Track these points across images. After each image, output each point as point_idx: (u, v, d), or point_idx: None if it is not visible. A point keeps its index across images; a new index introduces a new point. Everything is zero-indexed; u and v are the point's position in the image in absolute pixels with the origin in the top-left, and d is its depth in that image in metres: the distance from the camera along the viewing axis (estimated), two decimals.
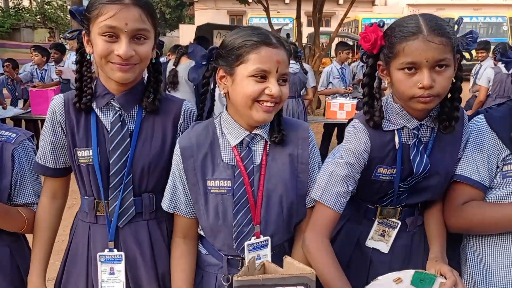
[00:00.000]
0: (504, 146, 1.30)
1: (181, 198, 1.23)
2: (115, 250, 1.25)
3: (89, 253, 1.29)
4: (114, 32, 1.13)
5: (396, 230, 1.37)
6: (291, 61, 5.57)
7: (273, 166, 1.20)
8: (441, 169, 1.30)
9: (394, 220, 1.37)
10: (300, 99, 5.69)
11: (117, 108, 1.25)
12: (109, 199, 1.24)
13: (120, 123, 1.24)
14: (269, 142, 1.21)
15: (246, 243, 1.17)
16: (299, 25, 9.15)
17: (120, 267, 1.25)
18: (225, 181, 1.18)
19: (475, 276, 1.36)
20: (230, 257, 1.22)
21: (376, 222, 1.39)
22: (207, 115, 1.33)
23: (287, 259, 1.02)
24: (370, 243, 1.40)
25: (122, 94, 1.24)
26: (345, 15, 8.68)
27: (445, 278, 1.13)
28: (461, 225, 1.35)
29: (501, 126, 1.31)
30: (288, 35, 9.08)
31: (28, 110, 5.72)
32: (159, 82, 1.31)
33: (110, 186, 1.23)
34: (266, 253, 1.19)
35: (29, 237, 1.43)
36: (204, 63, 1.24)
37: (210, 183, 1.19)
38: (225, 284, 1.21)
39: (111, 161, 1.22)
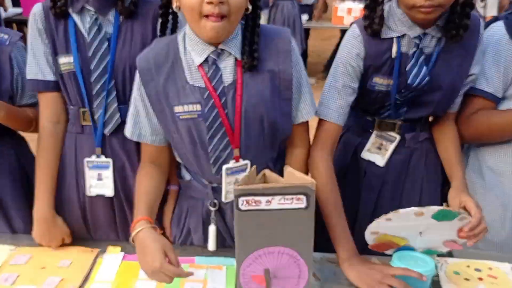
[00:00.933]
0: None
1: (144, 125, 1.15)
2: (103, 157, 1.26)
3: (77, 163, 1.30)
4: None
5: (394, 144, 1.34)
6: None
7: (251, 85, 1.07)
8: (444, 83, 1.22)
9: (392, 134, 1.34)
10: (295, 1, 5.39)
11: (92, 12, 1.19)
12: (93, 107, 1.22)
13: (97, 27, 1.19)
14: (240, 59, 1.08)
15: (224, 167, 1.11)
16: None
17: (108, 174, 1.27)
18: (194, 105, 1.06)
19: (474, 180, 1.42)
20: (214, 185, 1.17)
21: (373, 135, 1.36)
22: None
23: (288, 169, 1.01)
24: (365, 155, 1.38)
25: None
26: None
27: (467, 211, 1.11)
28: (471, 134, 1.35)
29: None
30: None
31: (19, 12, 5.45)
32: None
33: (93, 93, 1.20)
34: None
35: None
36: None
37: (177, 109, 1.08)
38: (212, 209, 1.19)
39: (91, 67, 1.19)
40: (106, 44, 1.19)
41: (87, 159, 1.27)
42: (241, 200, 0.94)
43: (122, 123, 1.24)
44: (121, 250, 1.26)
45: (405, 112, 1.30)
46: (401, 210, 1.05)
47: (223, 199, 1.18)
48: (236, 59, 1.08)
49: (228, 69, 1.08)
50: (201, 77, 1.07)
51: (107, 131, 1.25)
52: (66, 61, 1.20)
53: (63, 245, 1.29)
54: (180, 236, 1.30)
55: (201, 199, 1.22)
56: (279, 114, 1.12)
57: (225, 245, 1.26)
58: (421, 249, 1.15)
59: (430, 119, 1.39)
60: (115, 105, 1.23)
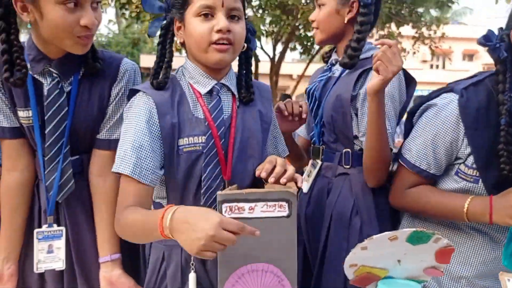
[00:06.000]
0: (469, 146, 1.14)
1: (148, 161, 1.04)
2: (55, 225, 1.18)
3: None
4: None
5: (316, 170, 1.39)
6: None
7: (245, 119, 1.13)
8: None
9: (317, 160, 1.41)
10: None
11: (54, 75, 1.14)
12: (46, 171, 1.15)
13: (58, 90, 1.13)
14: (236, 96, 1.15)
15: (218, 193, 0.99)
16: None
17: (60, 244, 1.17)
18: (199, 137, 1.07)
19: None
20: None
21: (309, 162, 1.44)
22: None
23: (268, 185, 1.04)
24: (303, 184, 1.41)
25: (60, 59, 1.13)
26: None
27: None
28: (403, 207, 1.31)
29: (474, 122, 1.13)
30: None
31: None
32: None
33: (46, 159, 1.14)
34: None
35: None
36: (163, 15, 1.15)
37: (182, 141, 1.06)
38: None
39: (46, 131, 1.13)
40: (65, 109, 1.13)
41: (37, 230, 1.17)
42: (225, 206, 0.94)
43: (77, 175, 1.18)
44: None
45: (319, 134, 1.40)
46: (375, 236, 0.96)
47: None
48: (232, 95, 1.15)
49: (226, 103, 1.13)
50: (201, 107, 1.10)
51: (59, 198, 1.16)
52: (25, 115, 1.14)
53: None
54: (155, 284, 1.15)
55: (178, 246, 1.07)
56: (268, 149, 1.20)
57: None
58: (403, 279, 1.12)
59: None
60: (70, 171, 1.16)
